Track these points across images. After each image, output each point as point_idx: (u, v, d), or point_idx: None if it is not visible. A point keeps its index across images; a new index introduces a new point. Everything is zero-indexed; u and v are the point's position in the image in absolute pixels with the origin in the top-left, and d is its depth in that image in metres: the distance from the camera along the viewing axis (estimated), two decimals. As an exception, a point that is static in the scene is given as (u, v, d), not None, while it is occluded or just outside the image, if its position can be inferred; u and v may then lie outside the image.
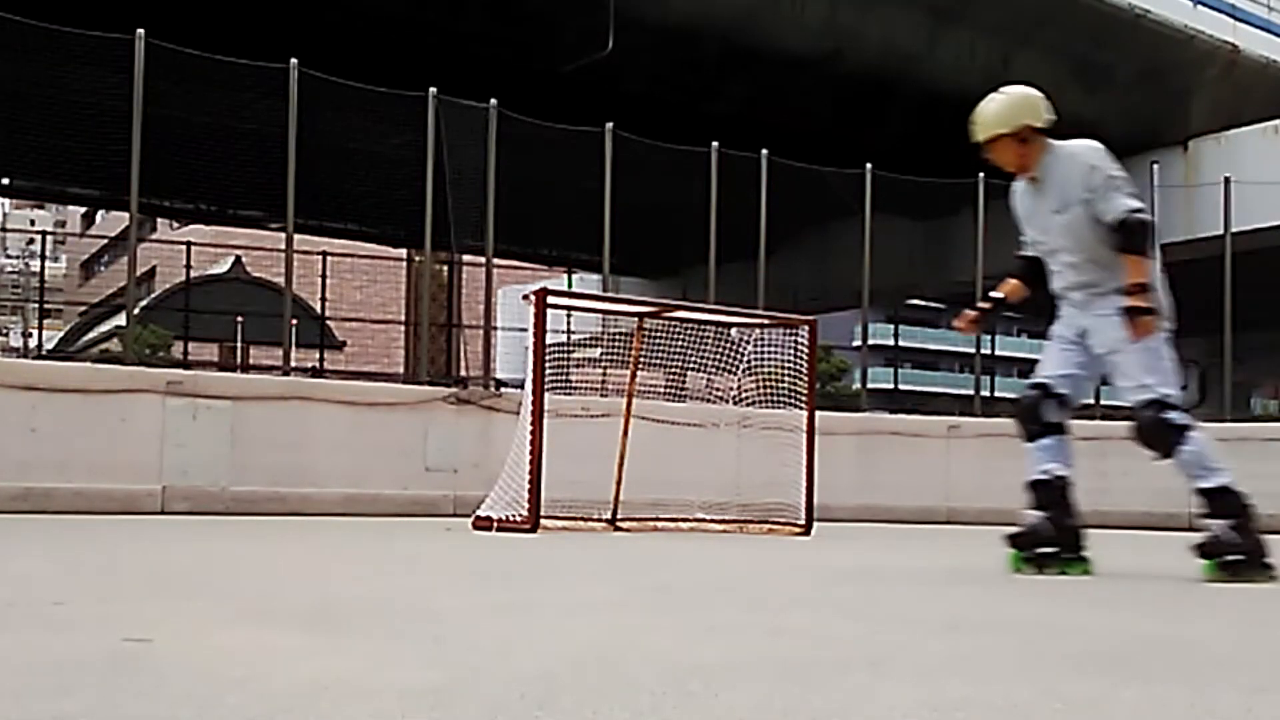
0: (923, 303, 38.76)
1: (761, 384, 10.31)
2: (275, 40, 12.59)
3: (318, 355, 23.38)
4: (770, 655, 2.97)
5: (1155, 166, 18.44)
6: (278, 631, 3.12)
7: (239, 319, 27.00)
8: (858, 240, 14.95)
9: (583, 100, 15.09)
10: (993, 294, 5.92)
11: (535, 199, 17.17)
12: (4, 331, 53.19)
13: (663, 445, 9.69)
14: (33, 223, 57.32)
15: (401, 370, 23.86)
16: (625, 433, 9.34)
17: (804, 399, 9.76)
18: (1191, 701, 2.52)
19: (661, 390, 11.95)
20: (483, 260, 13.44)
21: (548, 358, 8.96)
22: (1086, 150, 5.59)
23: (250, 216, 21.83)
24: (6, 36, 11.04)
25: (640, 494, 9.44)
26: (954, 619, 3.99)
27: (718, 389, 10.54)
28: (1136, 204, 5.45)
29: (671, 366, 10.52)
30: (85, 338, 34.37)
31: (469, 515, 8.56)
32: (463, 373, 15.36)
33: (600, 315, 12.44)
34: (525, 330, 9.18)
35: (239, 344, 27.85)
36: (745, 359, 10.17)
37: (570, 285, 22.86)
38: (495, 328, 15.74)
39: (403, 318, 27.10)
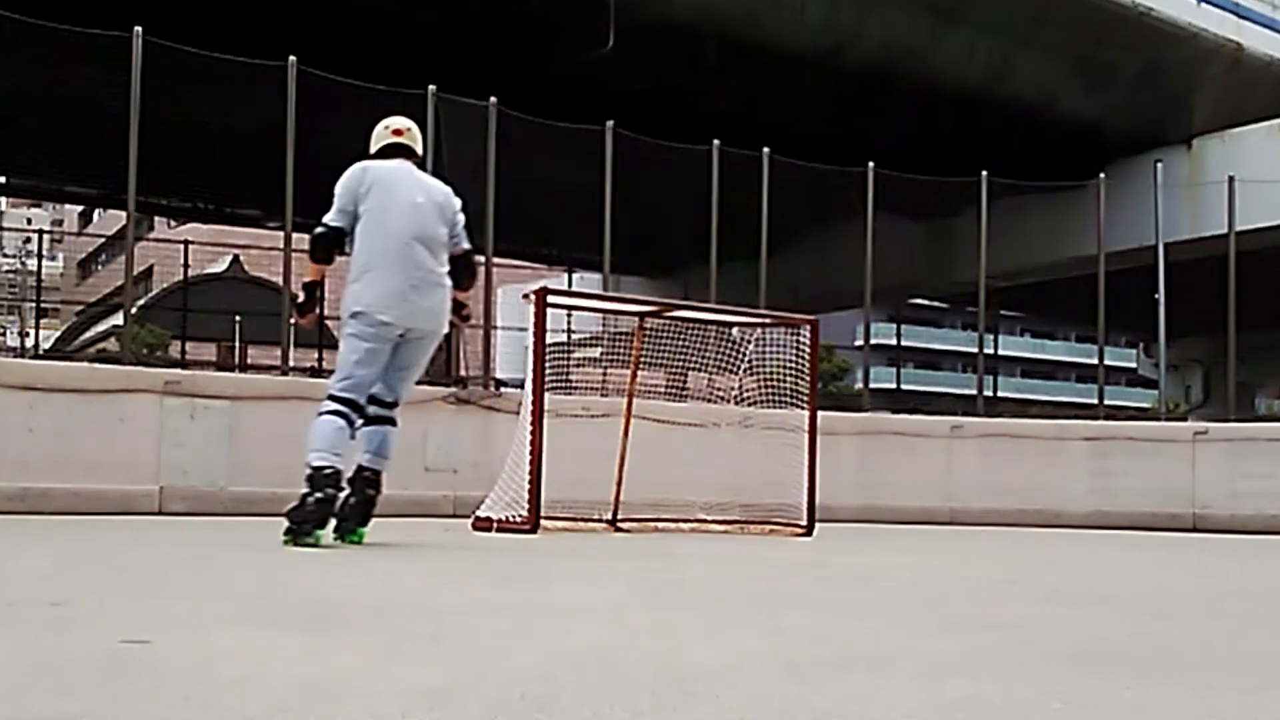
0: (925, 302, 38.77)
1: (763, 384, 10.30)
2: (274, 38, 12.58)
3: (316, 355, 23.37)
4: (770, 655, 2.96)
5: (1159, 165, 18.44)
6: (278, 631, 3.11)
7: (237, 318, 27.01)
8: (859, 239, 14.93)
9: (583, 99, 15.08)
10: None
11: (535, 198, 17.13)
12: (1, 331, 53.21)
13: (663, 445, 9.68)
14: (29, 221, 57.28)
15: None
16: (626, 433, 9.33)
17: (805, 399, 9.75)
18: (1191, 701, 2.51)
19: (662, 390, 11.94)
20: (482, 259, 13.41)
21: (548, 358, 8.95)
22: None
23: (248, 215, 21.83)
24: (4, 35, 11.03)
25: (640, 494, 9.42)
26: (954, 619, 3.98)
27: (719, 389, 10.54)
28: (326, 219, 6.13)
29: (672, 366, 10.50)
30: (82, 337, 34.38)
31: (469, 515, 8.55)
32: (463, 373, 15.34)
33: (600, 315, 12.43)
34: (525, 330, 9.17)
35: (237, 343, 27.85)
36: (746, 358, 10.16)
37: (570, 285, 22.85)
38: (495, 327, 15.73)
39: (403, 317, 27.07)
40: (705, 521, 9.51)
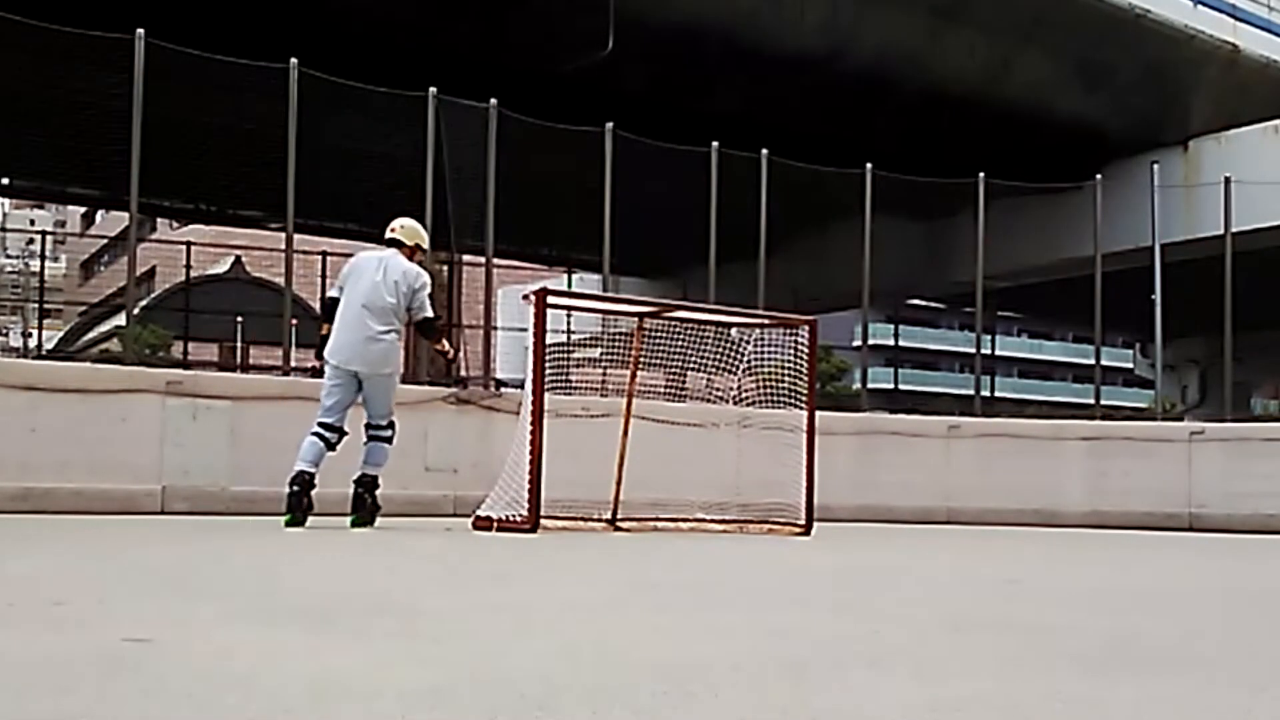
0: (923, 303, 38.79)
1: (761, 384, 10.30)
2: (275, 40, 12.58)
3: (317, 355, 23.34)
4: (770, 655, 2.97)
5: (1155, 166, 18.44)
6: (278, 631, 3.12)
7: (239, 319, 26.99)
8: (858, 240, 14.94)
9: (583, 100, 15.09)
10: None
11: (535, 199, 17.15)
12: (4, 331, 53.16)
13: (663, 445, 9.68)
14: (32, 222, 57.29)
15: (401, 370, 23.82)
16: (625, 433, 9.34)
17: (804, 399, 9.76)
18: (1191, 701, 2.52)
19: (661, 390, 11.94)
20: (483, 260, 13.44)
21: (548, 358, 8.95)
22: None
23: (250, 216, 21.82)
24: (6, 36, 11.03)
25: (640, 494, 9.43)
26: (954, 619, 3.99)
27: (718, 389, 10.54)
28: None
29: (671, 366, 10.51)
30: (85, 338, 34.35)
31: (469, 515, 8.56)
32: (463, 373, 15.34)
33: (600, 315, 12.42)
34: (525, 330, 9.17)
35: (239, 344, 27.83)
36: (745, 359, 10.17)
37: (570, 285, 22.85)
38: (495, 328, 15.74)
39: (402, 318, 27.06)
40: (704, 521, 9.52)
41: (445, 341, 9.04)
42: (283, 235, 12.10)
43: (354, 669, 2.56)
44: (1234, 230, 15.89)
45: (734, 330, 10.24)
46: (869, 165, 14.65)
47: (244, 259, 33.11)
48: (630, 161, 13.32)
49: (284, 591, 4.28)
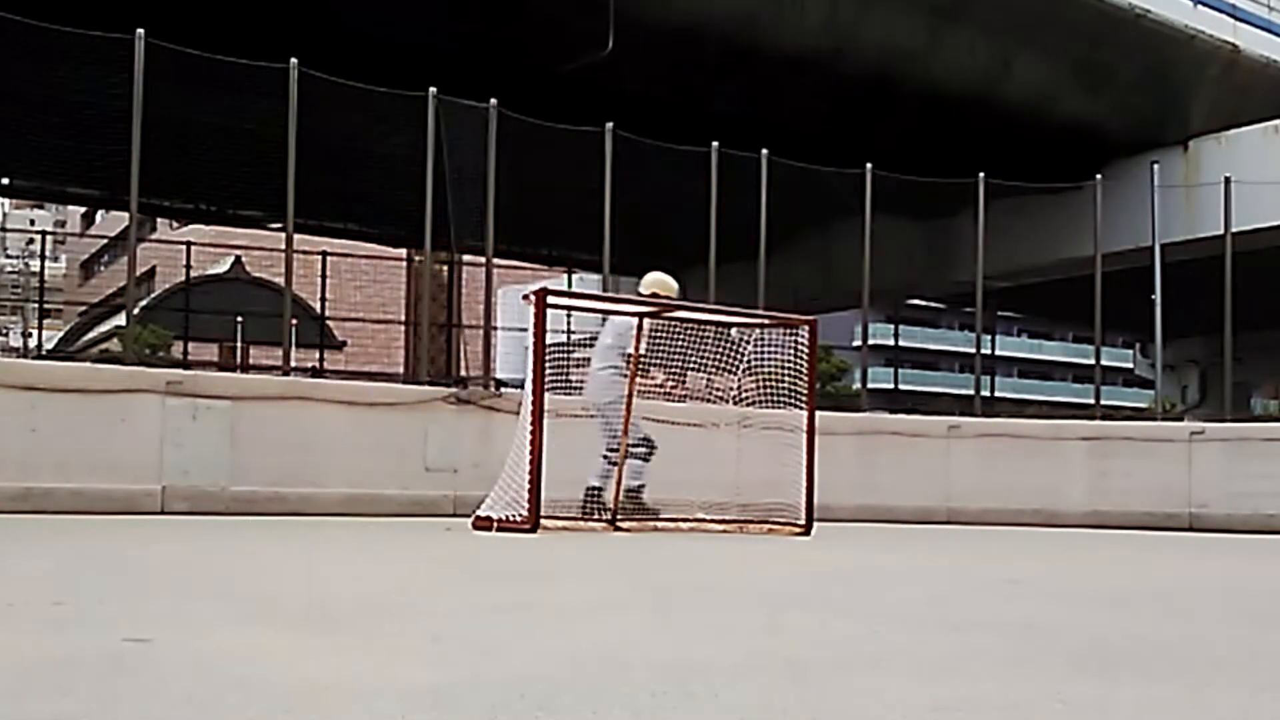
0: (923, 303, 38.82)
1: (761, 384, 10.28)
2: (275, 41, 12.58)
3: (317, 355, 23.38)
4: (770, 655, 2.97)
5: (1155, 166, 18.44)
6: (278, 631, 3.12)
7: (239, 319, 27.02)
8: (858, 240, 14.94)
9: (583, 100, 15.08)
10: None
11: (535, 199, 17.14)
12: (4, 331, 53.18)
13: (662, 445, 9.68)
14: (32, 222, 57.33)
15: (401, 370, 23.87)
16: (625, 432, 9.34)
17: (804, 399, 9.75)
18: (1191, 701, 2.52)
19: (661, 390, 11.93)
20: (483, 260, 13.43)
21: (548, 358, 8.95)
22: None
23: (250, 216, 21.82)
24: (6, 36, 11.03)
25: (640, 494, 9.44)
26: (954, 619, 3.99)
27: (718, 389, 10.53)
28: None
29: (671, 366, 10.50)
30: (85, 338, 34.36)
31: (469, 515, 8.56)
32: (463, 373, 15.35)
33: (600, 315, 12.42)
34: (525, 330, 9.17)
35: (239, 344, 27.86)
36: (745, 359, 10.16)
37: (570, 285, 22.86)
38: (495, 328, 15.73)
39: (403, 318, 27.12)
40: (704, 521, 9.51)
41: None
42: (283, 235, 12.09)
43: (354, 669, 2.56)
44: (1234, 230, 15.88)
45: (734, 330, 10.23)
46: (869, 165, 14.64)
47: (244, 259, 33.12)
48: (630, 161, 13.31)
49: (284, 591, 4.28)
